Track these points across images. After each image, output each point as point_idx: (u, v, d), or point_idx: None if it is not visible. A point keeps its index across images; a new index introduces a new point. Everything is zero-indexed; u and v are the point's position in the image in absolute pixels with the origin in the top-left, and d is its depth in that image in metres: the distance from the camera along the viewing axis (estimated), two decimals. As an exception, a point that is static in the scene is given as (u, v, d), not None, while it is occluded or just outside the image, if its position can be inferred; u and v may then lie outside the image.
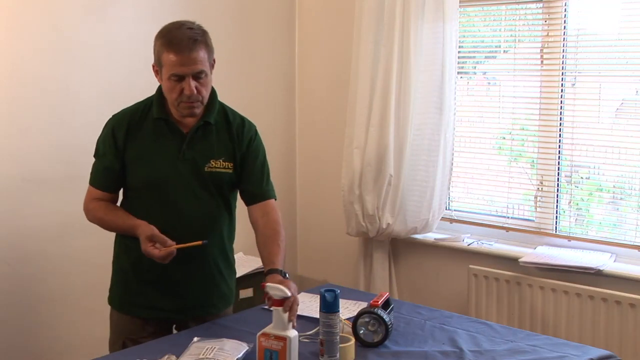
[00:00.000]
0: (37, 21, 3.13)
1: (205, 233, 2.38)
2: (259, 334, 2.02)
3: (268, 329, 2.01)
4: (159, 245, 2.24)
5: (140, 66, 3.48)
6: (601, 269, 3.18)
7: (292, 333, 1.99)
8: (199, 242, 2.28)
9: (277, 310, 2.00)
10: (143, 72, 3.45)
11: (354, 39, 3.72)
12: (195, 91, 2.26)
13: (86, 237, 3.28)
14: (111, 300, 2.52)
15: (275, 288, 2.02)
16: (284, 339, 1.97)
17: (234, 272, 2.61)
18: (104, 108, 3.29)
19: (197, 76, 2.27)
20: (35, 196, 3.18)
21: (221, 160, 2.40)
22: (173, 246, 2.25)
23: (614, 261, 3.28)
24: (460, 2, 3.53)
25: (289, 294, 2.02)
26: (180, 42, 2.24)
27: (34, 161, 3.17)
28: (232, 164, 2.42)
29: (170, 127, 2.37)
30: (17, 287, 3.14)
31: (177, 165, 2.36)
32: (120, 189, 2.46)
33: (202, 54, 2.27)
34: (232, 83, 3.86)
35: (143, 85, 3.27)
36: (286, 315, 2.00)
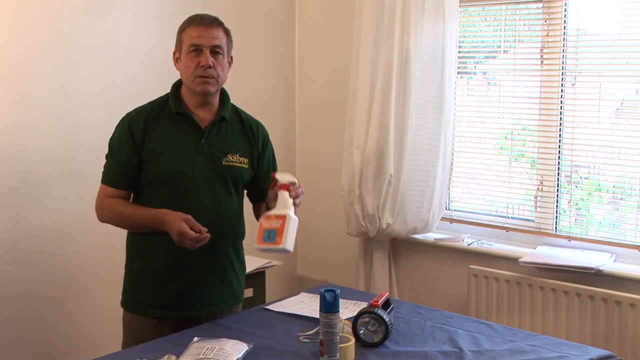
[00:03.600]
0: (37, 21, 3.13)
1: (220, 227, 2.40)
2: (262, 216, 2.10)
3: (271, 211, 2.08)
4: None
5: (140, 66, 3.49)
6: (601, 269, 3.18)
7: (293, 213, 2.06)
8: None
9: (282, 192, 2.09)
10: (143, 72, 3.47)
11: (354, 39, 3.72)
12: (211, 64, 2.35)
13: (86, 236, 3.28)
14: (125, 303, 2.52)
15: (283, 174, 2.12)
16: (283, 216, 2.04)
17: (244, 269, 2.64)
18: (104, 108, 3.32)
19: (215, 51, 2.38)
20: (35, 196, 3.18)
21: (238, 155, 2.46)
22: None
23: (614, 261, 3.28)
24: (460, 2, 3.53)
25: (296, 180, 2.11)
26: (202, 18, 2.41)
27: (34, 161, 3.17)
28: (248, 160, 2.48)
29: (188, 122, 2.42)
30: (16, 287, 3.14)
31: (196, 159, 2.39)
32: (133, 187, 2.45)
33: (221, 34, 2.41)
34: (232, 83, 3.83)
35: (143, 85, 3.28)
36: (290, 200, 2.10)
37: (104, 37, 3.36)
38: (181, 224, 2.25)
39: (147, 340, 2.33)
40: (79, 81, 3.30)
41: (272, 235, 2.00)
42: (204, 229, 2.27)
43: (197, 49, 2.36)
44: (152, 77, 3.43)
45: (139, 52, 3.50)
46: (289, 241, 2.03)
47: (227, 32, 2.45)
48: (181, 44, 2.41)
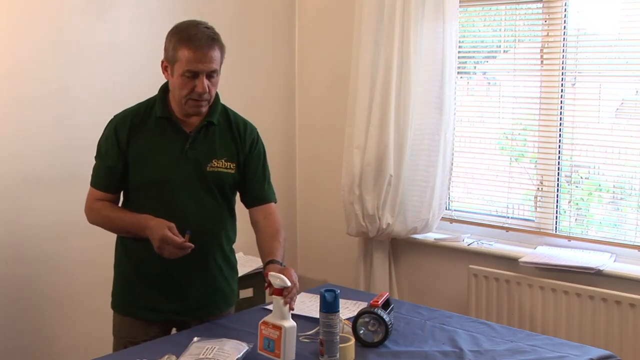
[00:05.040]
0: (38, 21, 3.13)
1: (206, 233, 2.38)
2: (261, 321, 2.06)
3: (268, 318, 2.06)
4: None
5: (140, 66, 3.49)
6: (601, 269, 3.18)
7: (289, 323, 2.03)
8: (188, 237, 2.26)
9: (276, 299, 2.05)
10: (143, 72, 3.46)
11: (354, 39, 3.72)
12: (207, 89, 2.29)
13: (86, 237, 3.27)
14: (114, 304, 2.52)
15: (276, 277, 2.06)
16: (279, 328, 2.01)
17: (236, 273, 2.61)
18: (104, 108, 3.29)
19: (210, 75, 2.31)
20: (35, 196, 3.18)
21: (223, 161, 2.41)
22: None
23: (614, 261, 3.28)
24: (460, 2, 3.53)
25: (289, 284, 2.05)
26: (199, 40, 2.26)
27: (34, 161, 3.17)
28: (234, 165, 2.43)
29: (174, 126, 2.38)
30: (16, 287, 3.14)
31: (179, 164, 2.36)
32: (121, 190, 2.45)
33: (217, 54, 2.31)
34: (232, 83, 3.85)
35: (143, 85, 3.27)
36: (286, 307, 2.04)
37: (104, 37, 3.36)
38: (164, 230, 2.21)
39: (136, 341, 2.33)
40: (79, 81, 3.30)
41: (271, 346, 2.02)
42: (183, 240, 2.23)
43: (194, 75, 2.27)
44: (152, 77, 3.40)
45: (139, 52, 3.50)
46: (287, 354, 2.03)
47: (222, 47, 2.34)
48: (174, 61, 2.29)
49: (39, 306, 3.22)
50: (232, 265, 2.57)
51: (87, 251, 3.32)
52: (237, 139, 2.45)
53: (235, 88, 3.84)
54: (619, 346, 3.10)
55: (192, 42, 2.26)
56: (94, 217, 2.44)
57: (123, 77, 3.43)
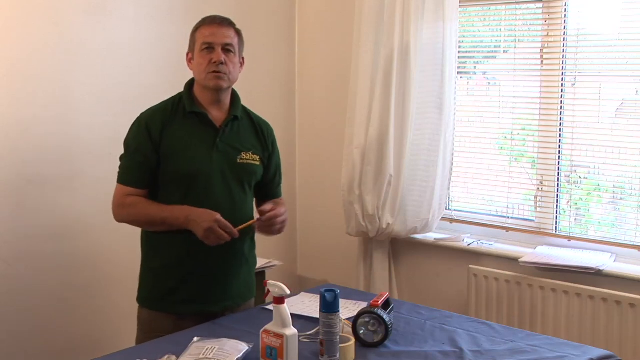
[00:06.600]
0: (38, 21, 3.13)
1: (237, 225, 2.42)
2: (262, 330, 2.06)
3: (269, 326, 2.05)
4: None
5: (141, 66, 3.49)
6: (601, 269, 3.18)
7: (290, 331, 2.03)
8: (254, 221, 2.42)
9: (277, 307, 2.04)
10: (143, 72, 3.47)
11: (354, 39, 3.72)
12: (223, 60, 2.41)
13: (86, 236, 3.28)
14: (142, 300, 2.55)
15: (275, 285, 2.05)
16: (281, 336, 2.01)
17: (256, 263, 2.70)
18: (104, 108, 3.32)
19: (226, 49, 2.44)
20: (36, 195, 3.18)
21: (250, 153, 2.53)
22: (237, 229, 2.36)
23: (614, 261, 3.28)
24: (460, 2, 3.53)
25: (288, 292, 2.05)
26: (213, 18, 2.50)
27: (34, 161, 3.17)
28: (259, 158, 2.55)
29: (203, 121, 2.47)
30: (16, 287, 3.14)
31: (212, 157, 2.44)
32: (151, 186, 2.47)
33: (232, 34, 2.48)
34: (232, 83, 3.86)
35: (143, 85, 3.28)
36: (287, 314, 2.02)
37: (104, 37, 3.36)
38: (216, 215, 2.31)
39: (165, 336, 2.34)
40: (79, 81, 3.29)
41: (274, 354, 2.02)
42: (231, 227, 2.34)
43: (210, 47, 2.42)
44: (153, 77, 3.44)
45: (139, 52, 3.50)
46: None
47: (238, 33, 2.52)
48: (194, 44, 2.47)
49: (39, 306, 3.22)
50: (254, 255, 2.66)
51: (87, 250, 3.32)
52: (262, 137, 2.59)
53: (236, 88, 3.83)
54: (619, 346, 3.10)
55: (206, 20, 2.49)
56: (126, 213, 2.45)
57: (123, 77, 3.43)
